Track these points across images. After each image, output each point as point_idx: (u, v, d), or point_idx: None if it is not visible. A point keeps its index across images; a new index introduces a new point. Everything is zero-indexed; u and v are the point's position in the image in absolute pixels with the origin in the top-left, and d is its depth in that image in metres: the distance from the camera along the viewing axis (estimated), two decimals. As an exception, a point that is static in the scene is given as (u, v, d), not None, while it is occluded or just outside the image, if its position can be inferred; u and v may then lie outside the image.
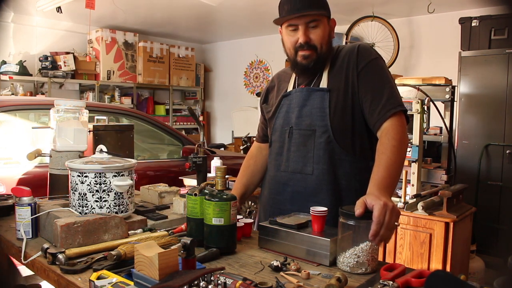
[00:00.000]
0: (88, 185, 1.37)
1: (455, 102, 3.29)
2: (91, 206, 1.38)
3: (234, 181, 1.75)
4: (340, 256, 1.14)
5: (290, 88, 1.57)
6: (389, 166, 1.28)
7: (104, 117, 2.17)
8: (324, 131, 1.44)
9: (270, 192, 1.59)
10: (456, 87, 3.44)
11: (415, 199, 2.55)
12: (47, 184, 1.79)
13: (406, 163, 2.50)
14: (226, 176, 1.29)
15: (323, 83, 1.47)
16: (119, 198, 1.40)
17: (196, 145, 1.65)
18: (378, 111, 1.38)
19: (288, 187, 1.51)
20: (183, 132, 5.04)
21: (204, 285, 0.94)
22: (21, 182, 2.56)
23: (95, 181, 1.37)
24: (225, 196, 1.24)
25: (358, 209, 1.11)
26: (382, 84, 1.42)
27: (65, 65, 5.31)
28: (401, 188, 2.60)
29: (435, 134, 3.09)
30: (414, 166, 2.64)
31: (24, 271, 2.54)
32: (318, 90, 1.46)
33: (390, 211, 1.11)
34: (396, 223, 1.13)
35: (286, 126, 1.53)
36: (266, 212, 1.61)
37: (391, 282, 0.98)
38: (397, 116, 1.37)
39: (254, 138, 1.82)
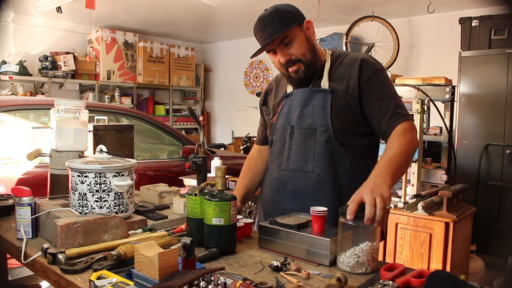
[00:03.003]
0: (88, 185, 1.37)
1: (455, 102, 3.29)
2: (91, 206, 1.38)
3: (234, 181, 1.75)
4: (340, 256, 1.14)
5: (289, 89, 1.58)
6: (392, 156, 1.29)
7: (104, 117, 2.16)
8: (324, 130, 1.45)
9: (270, 190, 1.60)
10: (456, 87, 3.44)
11: (415, 199, 2.55)
12: (47, 184, 1.79)
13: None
14: (226, 176, 1.29)
15: (324, 84, 1.48)
16: (119, 198, 1.40)
17: (196, 145, 1.65)
18: (387, 120, 1.40)
19: (288, 185, 1.52)
20: (183, 132, 5.04)
21: (204, 285, 0.94)
22: (21, 182, 2.56)
23: (95, 181, 1.37)
24: (225, 196, 1.24)
25: (349, 214, 1.11)
26: (388, 95, 1.44)
27: (65, 65, 5.31)
28: (401, 188, 2.60)
29: (435, 134, 3.09)
30: (414, 166, 2.64)
31: (24, 271, 2.54)
32: (321, 91, 1.47)
33: (377, 194, 1.12)
34: (387, 206, 1.13)
35: (287, 125, 1.53)
36: (266, 211, 1.61)
37: (391, 282, 0.98)
38: (406, 122, 1.39)
39: (254, 138, 1.83)
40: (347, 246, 1.13)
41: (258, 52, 1.47)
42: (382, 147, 1.61)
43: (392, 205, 2.58)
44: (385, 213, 1.13)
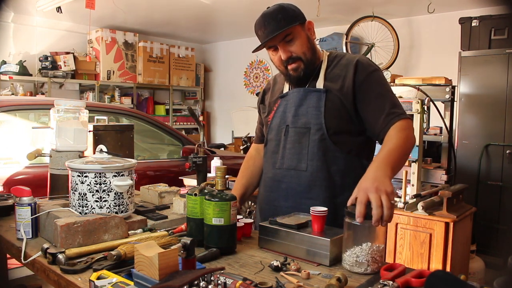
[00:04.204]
0: (88, 185, 1.37)
1: (455, 102, 3.29)
2: (91, 206, 1.38)
3: (234, 181, 1.75)
4: (343, 254, 1.14)
5: (286, 89, 1.60)
6: (391, 149, 1.30)
7: (104, 117, 2.16)
8: (318, 129, 1.46)
9: (265, 189, 1.61)
10: (456, 87, 3.44)
11: (415, 199, 2.55)
12: (47, 184, 1.79)
13: (406, 163, 2.50)
14: (226, 176, 1.29)
15: (319, 84, 1.49)
16: (119, 198, 1.40)
17: (196, 145, 1.65)
18: (382, 120, 1.40)
19: (282, 184, 1.52)
20: (183, 132, 5.04)
21: (204, 285, 0.94)
22: (21, 182, 2.56)
23: (95, 181, 1.37)
24: (225, 196, 1.24)
25: (358, 217, 1.10)
26: (383, 95, 1.44)
27: (65, 65, 5.31)
28: (401, 188, 2.60)
29: (435, 134, 3.09)
30: (414, 166, 2.64)
31: (24, 271, 2.54)
32: (315, 91, 1.49)
33: (382, 192, 1.11)
34: (392, 202, 1.12)
35: (282, 125, 1.55)
36: (262, 210, 1.62)
37: (391, 282, 0.98)
38: (402, 120, 1.39)
39: (253, 138, 1.84)
40: (349, 245, 1.13)
41: (260, 47, 1.47)
42: (378, 146, 1.62)
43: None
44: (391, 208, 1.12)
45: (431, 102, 2.89)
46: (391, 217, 1.10)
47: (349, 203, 1.15)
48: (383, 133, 1.40)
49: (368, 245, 1.10)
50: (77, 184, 1.38)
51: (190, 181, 2.86)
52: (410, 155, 2.62)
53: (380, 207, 1.09)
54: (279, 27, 1.41)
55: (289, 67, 1.48)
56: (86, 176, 1.37)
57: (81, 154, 1.75)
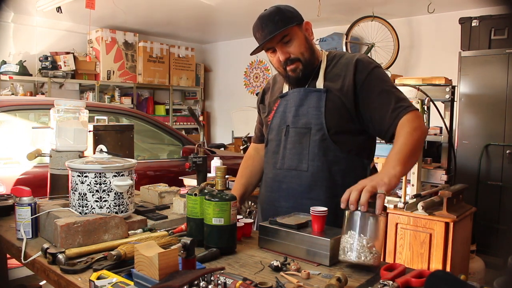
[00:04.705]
0: (88, 185, 1.37)
1: (455, 102, 3.29)
2: (91, 206, 1.38)
3: (234, 181, 1.75)
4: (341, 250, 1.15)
5: (285, 89, 1.59)
6: (400, 146, 1.29)
7: (104, 117, 2.16)
8: (319, 129, 1.45)
9: (266, 190, 1.61)
10: (456, 87, 3.44)
11: (415, 199, 2.55)
12: (47, 184, 1.79)
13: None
14: (226, 176, 1.29)
15: (319, 84, 1.49)
16: (119, 198, 1.40)
17: (196, 145, 1.65)
18: (389, 115, 1.39)
19: (283, 184, 1.52)
20: (183, 132, 5.04)
21: (204, 285, 0.94)
22: (21, 182, 2.56)
23: (95, 181, 1.37)
24: (225, 196, 1.24)
25: (342, 203, 1.15)
26: (387, 90, 1.43)
27: (65, 65, 5.31)
28: (401, 188, 2.60)
29: (435, 134, 3.09)
30: (414, 166, 2.64)
31: (24, 271, 2.54)
32: (316, 91, 1.48)
33: (372, 182, 1.14)
34: (379, 191, 1.12)
35: (283, 125, 1.55)
36: (263, 211, 1.63)
37: (391, 282, 0.98)
38: (410, 113, 1.38)
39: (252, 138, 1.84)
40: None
41: (258, 49, 1.48)
42: (378, 146, 1.62)
43: (391, 205, 2.58)
44: (378, 197, 1.12)
45: (431, 102, 2.89)
46: (366, 201, 1.10)
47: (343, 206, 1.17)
48: (392, 129, 1.38)
49: (352, 234, 1.11)
50: (77, 184, 1.38)
51: (190, 181, 2.86)
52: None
53: (357, 191, 1.12)
54: (276, 28, 1.41)
55: (288, 68, 1.48)
56: (86, 176, 1.37)
57: (81, 154, 1.76)
